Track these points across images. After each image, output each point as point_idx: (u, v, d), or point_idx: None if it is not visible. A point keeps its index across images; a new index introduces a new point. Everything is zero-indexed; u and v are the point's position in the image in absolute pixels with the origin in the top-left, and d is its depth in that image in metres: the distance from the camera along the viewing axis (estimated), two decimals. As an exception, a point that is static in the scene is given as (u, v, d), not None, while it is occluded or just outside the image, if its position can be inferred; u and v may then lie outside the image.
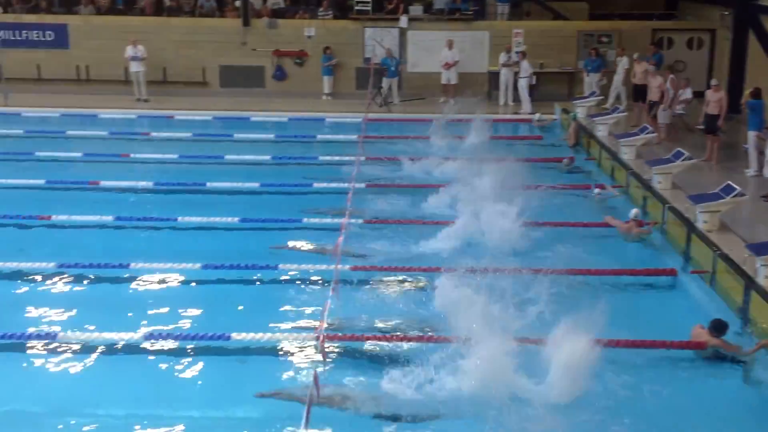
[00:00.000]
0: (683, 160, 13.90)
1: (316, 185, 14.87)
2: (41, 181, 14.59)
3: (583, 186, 14.92)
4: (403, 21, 23.18)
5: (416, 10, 23.45)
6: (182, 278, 10.68)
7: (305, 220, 12.89)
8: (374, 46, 22.74)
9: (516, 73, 21.75)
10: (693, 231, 11.40)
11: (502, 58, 22.10)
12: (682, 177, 13.92)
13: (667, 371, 8.55)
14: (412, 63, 23.17)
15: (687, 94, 17.94)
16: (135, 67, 21.94)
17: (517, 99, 21.95)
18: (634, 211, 12.45)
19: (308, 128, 19.68)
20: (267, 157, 16.86)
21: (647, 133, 15.98)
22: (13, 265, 10.75)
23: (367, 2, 23.23)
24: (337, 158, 16.50)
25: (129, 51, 21.78)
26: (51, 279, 10.56)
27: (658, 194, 13.25)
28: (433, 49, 22.75)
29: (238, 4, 23.71)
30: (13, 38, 23.14)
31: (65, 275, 10.61)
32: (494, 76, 22.59)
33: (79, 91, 22.58)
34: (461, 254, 11.00)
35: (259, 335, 8.90)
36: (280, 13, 24.19)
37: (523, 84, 21.50)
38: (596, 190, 14.39)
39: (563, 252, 10.87)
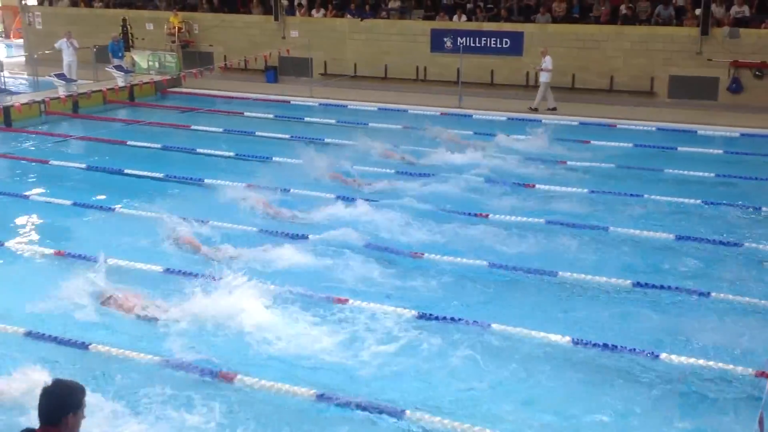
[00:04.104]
0: None
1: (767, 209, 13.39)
2: (480, 179, 15.25)
3: None
4: None
5: None
6: (608, 292, 10.20)
7: (747, 244, 11.63)
8: None
9: None
10: None
11: None
12: None
13: None
14: None
15: None
16: (542, 77, 21.87)
17: None
18: None
19: (764, 146, 17.86)
20: (711, 174, 15.67)
21: None
22: (469, 262, 11.22)
23: None
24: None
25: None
26: (480, 277, 10.80)
27: None
28: None
29: (698, 12, 22.43)
30: (472, 45, 24.83)
31: (492, 272, 10.82)
32: None
33: (525, 97, 23.35)
34: None
35: (692, 360, 8.18)
36: (744, 22, 22.31)
37: None
38: None
39: None
